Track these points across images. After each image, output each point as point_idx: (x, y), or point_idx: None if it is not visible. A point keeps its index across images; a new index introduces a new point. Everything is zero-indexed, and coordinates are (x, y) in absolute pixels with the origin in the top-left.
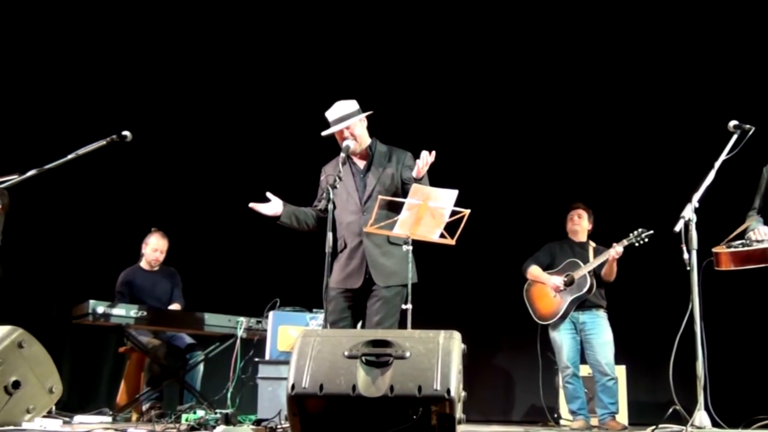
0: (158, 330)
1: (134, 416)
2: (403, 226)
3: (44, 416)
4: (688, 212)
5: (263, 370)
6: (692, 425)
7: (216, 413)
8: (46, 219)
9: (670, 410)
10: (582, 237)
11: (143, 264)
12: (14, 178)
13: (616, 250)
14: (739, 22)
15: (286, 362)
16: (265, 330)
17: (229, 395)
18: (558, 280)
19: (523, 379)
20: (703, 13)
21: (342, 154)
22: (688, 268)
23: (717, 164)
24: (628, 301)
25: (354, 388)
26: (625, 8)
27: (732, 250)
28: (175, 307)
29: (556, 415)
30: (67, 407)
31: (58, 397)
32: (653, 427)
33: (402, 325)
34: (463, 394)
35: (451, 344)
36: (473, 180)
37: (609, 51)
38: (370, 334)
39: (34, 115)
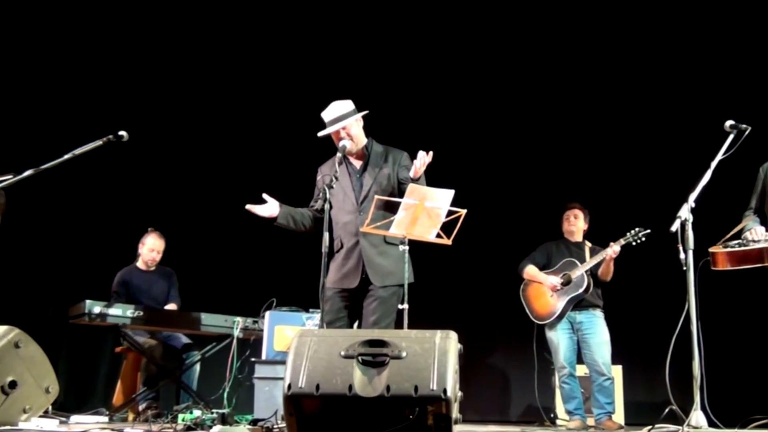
0: (155, 330)
1: (131, 416)
2: (400, 226)
3: (41, 416)
4: (685, 212)
5: (260, 370)
6: (688, 425)
7: (212, 413)
8: (42, 219)
9: (667, 410)
10: (578, 237)
11: (140, 264)
12: (10, 178)
13: (614, 249)
14: (735, 22)
15: (283, 362)
16: (262, 330)
17: (225, 395)
18: (555, 280)
19: (520, 379)
20: (699, 13)
21: (338, 154)
22: (685, 268)
23: (713, 164)
24: (624, 300)
25: (350, 388)
26: (621, 8)
27: (729, 250)
28: (171, 307)
29: (552, 415)
30: (63, 407)
31: (55, 397)
32: (649, 427)
33: (398, 324)
34: (459, 394)
35: (447, 344)
36: (469, 180)
37: (605, 51)
38: (367, 334)
39: (31, 116)
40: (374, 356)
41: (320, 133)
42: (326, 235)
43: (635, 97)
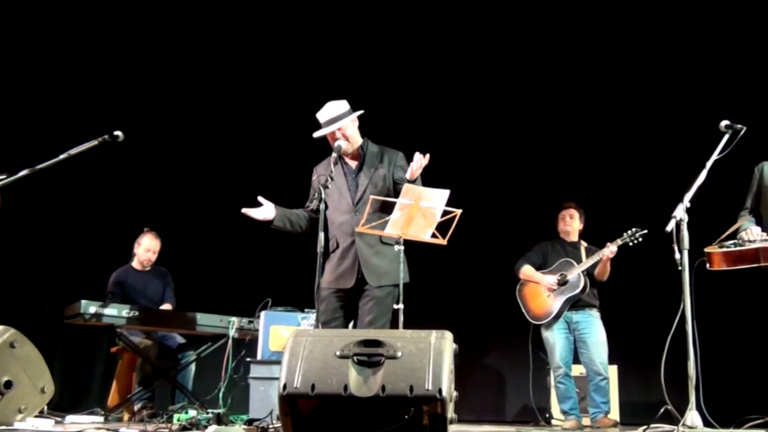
0: (150, 330)
1: (126, 416)
2: (395, 226)
3: (36, 416)
4: (680, 212)
5: (255, 370)
6: (684, 425)
7: (208, 413)
8: (38, 219)
9: (662, 410)
10: (574, 237)
11: (135, 264)
12: (5, 178)
13: (610, 249)
14: (731, 22)
15: (278, 362)
16: (257, 330)
17: (220, 395)
18: (552, 280)
19: (515, 379)
20: (694, 13)
21: (334, 155)
22: (680, 268)
23: (708, 164)
24: (619, 300)
25: (346, 388)
26: (616, 8)
27: (724, 250)
28: (166, 307)
29: (547, 415)
30: (59, 407)
31: (50, 397)
32: (645, 427)
33: (394, 324)
34: (454, 393)
35: (442, 344)
36: (465, 180)
37: (601, 51)
38: (362, 334)
39: (26, 116)
40: (369, 356)
41: (316, 134)
42: (321, 235)
43: (631, 96)
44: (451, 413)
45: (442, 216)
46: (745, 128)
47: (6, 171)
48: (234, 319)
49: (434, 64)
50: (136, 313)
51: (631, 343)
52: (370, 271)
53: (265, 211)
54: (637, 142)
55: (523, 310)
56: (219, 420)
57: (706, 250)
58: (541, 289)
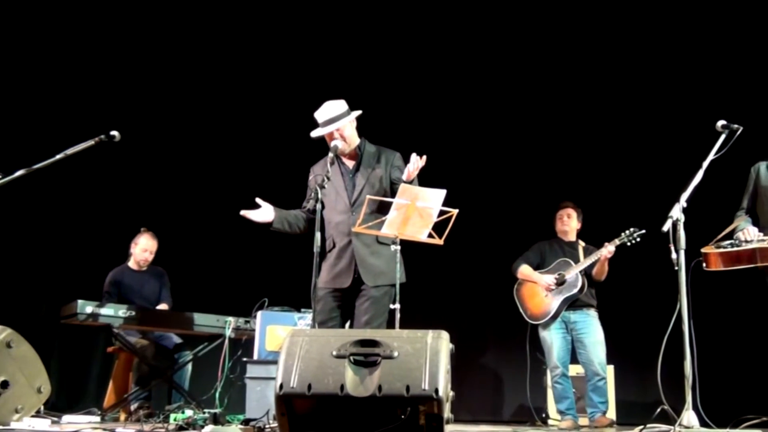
0: (146, 330)
1: (122, 416)
2: (391, 226)
3: (33, 416)
4: (676, 212)
5: (251, 370)
6: (680, 425)
7: (204, 413)
8: (34, 219)
9: (658, 410)
10: (571, 237)
11: (131, 264)
12: (1, 178)
13: (608, 249)
14: (727, 22)
15: (275, 362)
16: (254, 330)
17: (217, 395)
18: (550, 279)
19: (512, 379)
20: (691, 13)
21: (330, 155)
22: (676, 268)
23: (705, 164)
24: (616, 300)
25: (342, 387)
26: (613, 8)
27: (721, 250)
28: (163, 307)
29: (544, 415)
30: (55, 407)
31: (47, 397)
32: (641, 426)
33: (390, 324)
34: (451, 393)
35: (439, 344)
36: (462, 179)
37: (598, 50)
38: (359, 334)
39: (22, 116)
40: (366, 356)
41: (313, 134)
42: (318, 235)
43: (627, 96)
44: (447, 413)
45: (439, 216)
46: (741, 128)
47: (2, 171)
48: (230, 319)
49: (432, 64)
50: (133, 313)
51: (627, 343)
52: (366, 271)
53: (264, 213)
54: (634, 142)
55: (521, 310)
56: (215, 420)
57: (703, 250)
58: (538, 289)
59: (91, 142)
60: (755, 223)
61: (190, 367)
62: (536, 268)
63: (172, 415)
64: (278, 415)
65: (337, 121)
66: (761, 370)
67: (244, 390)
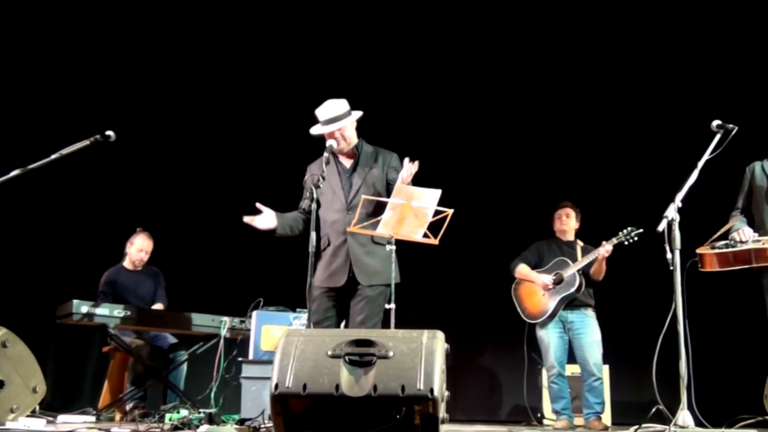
0: (142, 330)
1: (118, 416)
2: (387, 226)
3: (28, 416)
4: (671, 212)
5: (247, 370)
6: (675, 425)
7: (199, 413)
8: (29, 219)
9: (654, 410)
10: (570, 236)
11: (126, 263)
12: None
13: (606, 248)
14: (723, 23)
15: (270, 362)
16: (249, 330)
17: (212, 395)
18: (547, 279)
19: (507, 378)
20: (687, 14)
21: (326, 154)
22: (671, 268)
23: (700, 164)
24: (611, 300)
25: (337, 387)
26: (610, 8)
27: (717, 251)
28: (158, 306)
29: (539, 415)
30: (50, 407)
31: (42, 397)
32: (636, 426)
33: (385, 324)
34: (446, 393)
35: (434, 344)
36: (458, 179)
37: (595, 50)
38: (354, 334)
39: (18, 116)
40: (361, 356)
41: (313, 131)
42: (313, 235)
43: (624, 96)
44: (442, 413)
45: (434, 216)
46: (736, 128)
47: None
48: (226, 318)
49: (429, 63)
50: (128, 313)
51: (622, 343)
52: (361, 270)
53: (267, 219)
54: (629, 141)
55: (519, 309)
56: (211, 420)
57: (698, 251)
58: (536, 288)
59: (86, 142)
60: (750, 223)
61: (185, 367)
62: (534, 267)
63: (168, 415)
64: (273, 414)
65: (339, 120)
66: (756, 370)
67: (239, 390)
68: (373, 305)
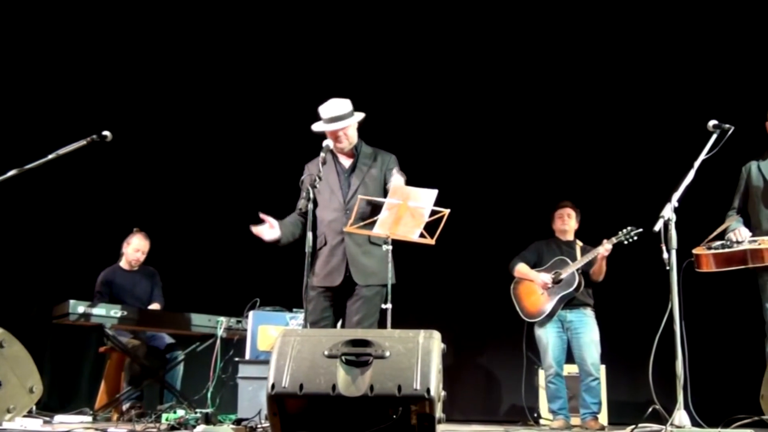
0: (138, 330)
1: (114, 416)
2: (383, 226)
3: (25, 416)
4: (668, 212)
5: (243, 370)
6: (672, 425)
7: (196, 413)
8: (26, 219)
9: (650, 410)
10: (570, 236)
11: (123, 264)
12: None
13: (605, 247)
14: (720, 23)
15: (266, 362)
16: (245, 330)
17: (209, 395)
18: (546, 277)
19: (504, 378)
20: (684, 14)
21: (322, 154)
22: (668, 268)
23: (696, 164)
24: (608, 300)
25: (334, 387)
26: (608, 9)
27: (713, 252)
28: (155, 306)
29: (535, 415)
30: (47, 407)
31: (39, 397)
32: (633, 426)
33: (382, 324)
34: (442, 393)
35: (430, 344)
36: (455, 178)
37: (593, 50)
38: (350, 334)
39: (14, 116)
40: (358, 356)
41: (315, 128)
42: (309, 235)
43: (621, 96)
44: (439, 413)
45: (430, 216)
46: (732, 128)
47: None
48: (222, 318)
49: (427, 62)
50: (125, 313)
51: (619, 343)
52: (357, 270)
53: (273, 231)
54: (625, 141)
55: (517, 308)
56: (207, 420)
57: (695, 251)
58: (535, 287)
59: (83, 142)
60: (746, 223)
61: (182, 367)
62: (533, 266)
63: (164, 415)
64: (270, 414)
65: (343, 119)
66: (752, 369)
67: (236, 390)
68: (370, 305)
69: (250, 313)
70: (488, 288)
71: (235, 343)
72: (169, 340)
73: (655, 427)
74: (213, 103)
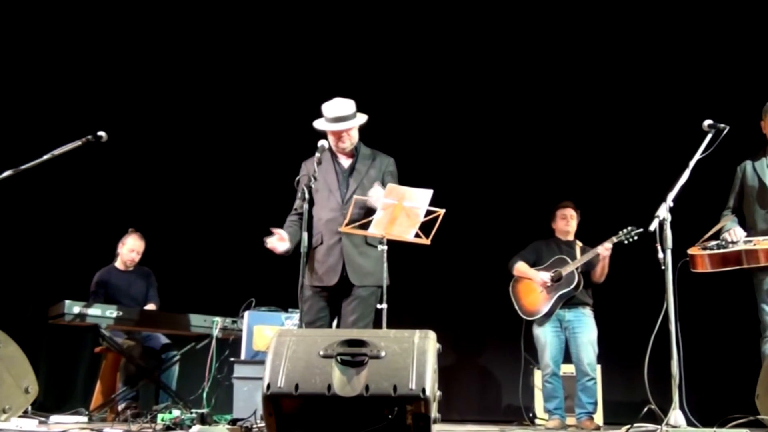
0: (134, 330)
1: (110, 416)
2: (378, 226)
3: (20, 416)
4: (663, 211)
5: (239, 370)
6: (667, 424)
7: (192, 413)
8: (22, 219)
9: (645, 409)
10: (571, 237)
11: (118, 264)
12: None
13: (605, 246)
14: (716, 23)
15: (262, 362)
16: (241, 330)
17: (204, 395)
18: (546, 276)
19: (500, 378)
20: (681, 15)
21: (317, 154)
22: (663, 268)
23: (692, 163)
24: (603, 300)
25: (329, 387)
26: (606, 9)
27: (708, 252)
28: (150, 307)
29: (531, 414)
30: (42, 407)
31: (34, 397)
32: (628, 426)
33: (377, 324)
34: (438, 393)
35: (426, 344)
36: (453, 178)
37: (592, 50)
38: (346, 334)
39: (10, 116)
40: (353, 356)
41: (318, 125)
42: (305, 236)
43: (619, 96)
44: (434, 413)
45: (426, 216)
46: (728, 128)
47: None
48: (218, 319)
49: (427, 62)
50: (120, 313)
51: (614, 343)
52: (353, 271)
53: (284, 243)
54: (629, 141)
55: (516, 307)
56: (203, 420)
57: (689, 252)
58: (534, 286)
59: (78, 143)
60: (741, 222)
61: (177, 367)
62: (532, 265)
63: (160, 415)
64: (265, 415)
65: (347, 120)
66: (747, 369)
67: (231, 390)
68: (365, 305)
69: (246, 313)
70: (484, 288)
71: (230, 344)
72: (164, 340)
73: (651, 426)
74: (209, 104)
